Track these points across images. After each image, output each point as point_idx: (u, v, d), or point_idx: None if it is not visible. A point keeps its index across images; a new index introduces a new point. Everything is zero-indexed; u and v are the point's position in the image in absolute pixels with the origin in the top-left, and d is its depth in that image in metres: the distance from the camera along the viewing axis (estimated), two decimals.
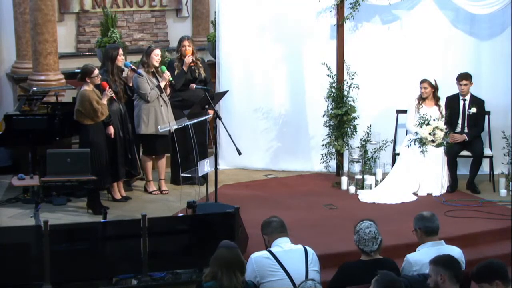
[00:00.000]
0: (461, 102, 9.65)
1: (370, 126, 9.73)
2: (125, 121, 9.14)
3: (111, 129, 8.80)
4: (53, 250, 6.73)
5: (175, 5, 12.62)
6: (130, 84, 9.15)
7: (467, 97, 9.63)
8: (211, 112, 8.97)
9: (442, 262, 5.16)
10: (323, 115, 9.85)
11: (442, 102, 9.70)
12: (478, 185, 9.54)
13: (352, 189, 9.50)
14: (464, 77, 9.56)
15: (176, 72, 9.53)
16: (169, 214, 8.39)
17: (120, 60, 9.07)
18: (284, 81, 10.33)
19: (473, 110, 9.59)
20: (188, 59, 9.51)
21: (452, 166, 9.48)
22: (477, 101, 9.65)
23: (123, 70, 9.21)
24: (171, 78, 9.34)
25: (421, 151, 9.37)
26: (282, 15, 10.14)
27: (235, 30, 10.27)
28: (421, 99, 9.62)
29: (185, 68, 9.54)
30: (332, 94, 9.77)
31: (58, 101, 10.14)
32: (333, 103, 9.77)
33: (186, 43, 9.61)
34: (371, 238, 5.66)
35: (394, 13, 10.07)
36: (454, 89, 9.71)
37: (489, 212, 8.73)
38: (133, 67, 9.13)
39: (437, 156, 9.39)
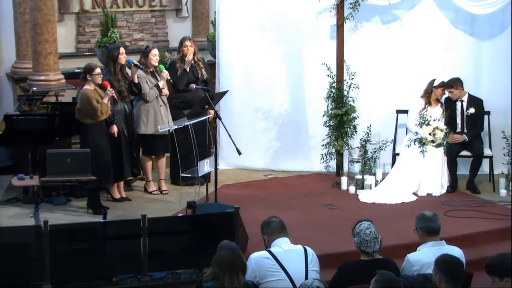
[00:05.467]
0: (459, 103, 9.64)
1: (370, 126, 9.72)
2: (130, 120, 9.15)
3: (114, 128, 8.81)
4: (53, 250, 6.73)
5: (175, 5, 12.62)
6: (136, 81, 9.13)
7: (465, 98, 9.62)
8: (211, 112, 8.97)
9: (442, 264, 5.16)
10: (323, 115, 9.85)
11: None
12: (478, 185, 9.54)
13: (352, 189, 9.50)
14: (449, 86, 9.52)
15: (178, 72, 9.53)
16: (169, 214, 8.40)
17: (122, 58, 9.06)
18: (284, 81, 10.33)
19: (471, 110, 9.58)
20: (189, 57, 9.51)
21: (452, 166, 9.48)
22: (475, 101, 9.63)
23: (130, 67, 9.17)
24: (169, 77, 9.34)
25: (420, 151, 9.37)
26: (282, 15, 10.14)
27: (235, 30, 10.27)
28: (428, 102, 9.59)
29: (186, 67, 9.54)
30: (332, 94, 9.77)
31: (58, 101, 10.13)
32: (333, 103, 9.77)
33: (188, 43, 9.61)
34: (373, 238, 5.66)
35: (394, 13, 10.07)
36: None
37: (489, 212, 8.73)
38: (135, 62, 9.12)
39: (437, 156, 9.39)
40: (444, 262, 5.18)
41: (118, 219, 8.22)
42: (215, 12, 10.51)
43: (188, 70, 9.56)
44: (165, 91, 9.35)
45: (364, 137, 9.72)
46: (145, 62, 9.28)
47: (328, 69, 9.67)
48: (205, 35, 12.17)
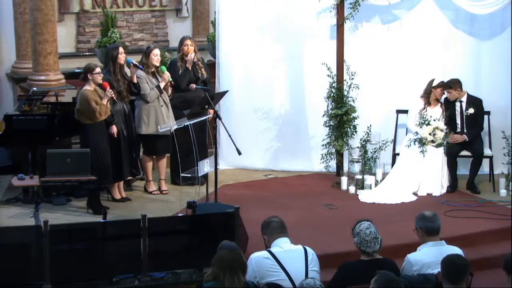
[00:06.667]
0: (458, 104, 9.63)
1: (370, 126, 9.72)
2: (129, 120, 9.15)
3: (114, 129, 8.82)
4: (53, 250, 6.72)
5: (175, 5, 12.63)
6: (135, 81, 9.13)
7: (464, 99, 9.62)
8: (211, 112, 8.97)
9: (443, 262, 5.21)
10: (323, 115, 9.85)
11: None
12: (478, 185, 9.54)
13: (352, 189, 9.50)
14: (448, 87, 9.52)
15: (180, 71, 9.54)
16: (169, 214, 8.39)
17: (122, 58, 9.07)
18: (284, 81, 10.33)
19: (471, 111, 9.57)
20: (191, 56, 9.51)
21: (452, 166, 9.48)
22: (474, 101, 9.61)
23: (129, 66, 9.19)
24: (171, 79, 9.33)
25: (420, 151, 9.37)
26: (282, 15, 10.14)
27: (235, 30, 10.27)
28: (428, 103, 9.60)
29: (189, 66, 9.55)
30: (332, 94, 9.77)
31: (58, 101, 10.14)
32: (333, 103, 9.77)
33: (188, 42, 9.61)
34: (373, 238, 5.66)
35: (394, 13, 10.07)
36: None
37: (489, 212, 8.73)
38: (135, 62, 9.12)
39: (437, 156, 9.39)
40: (447, 261, 5.22)
41: (118, 219, 8.22)
42: (215, 12, 10.51)
43: (190, 68, 9.56)
44: (168, 91, 9.35)
45: (364, 137, 9.72)
46: (146, 62, 9.27)
47: (328, 69, 9.67)
48: (205, 35, 12.18)
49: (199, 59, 9.77)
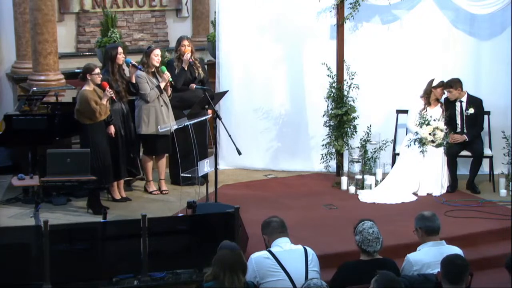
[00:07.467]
0: (458, 104, 9.63)
1: (370, 126, 9.72)
2: (127, 120, 9.16)
3: (112, 129, 8.82)
4: (53, 250, 6.72)
5: (175, 5, 12.63)
6: (133, 81, 9.14)
7: (464, 99, 9.62)
8: (210, 112, 8.97)
9: (443, 261, 5.23)
10: (323, 115, 9.85)
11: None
12: (478, 185, 9.53)
13: (352, 189, 9.50)
14: (449, 86, 9.53)
15: (176, 71, 9.54)
16: (169, 214, 8.39)
17: (120, 58, 9.07)
18: (284, 81, 10.33)
19: (471, 111, 9.57)
20: (187, 56, 9.52)
21: (452, 166, 9.48)
22: (474, 101, 9.62)
23: (128, 66, 9.19)
24: (171, 79, 9.34)
25: (420, 151, 9.38)
26: (282, 15, 10.14)
27: (235, 30, 10.27)
28: (428, 103, 9.60)
29: (185, 66, 9.55)
30: (332, 94, 9.77)
31: (58, 101, 10.14)
32: (333, 103, 9.77)
33: (185, 42, 9.62)
34: (375, 238, 5.66)
35: (394, 13, 10.07)
36: None
37: (489, 212, 8.73)
38: (133, 63, 9.13)
39: (437, 156, 9.39)
40: (447, 261, 5.23)
41: (118, 219, 8.22)
42: (215, 12, 10.51)
43: (186, 69, 9.56)
44: (168, 91, 9.36)
45: (364, 137, 9.72)
46: (147, 62, 9.28)
47: (328, 69, 9.67)
48: (205, 35, 12.17)
49: (196, 59, 9.77)
